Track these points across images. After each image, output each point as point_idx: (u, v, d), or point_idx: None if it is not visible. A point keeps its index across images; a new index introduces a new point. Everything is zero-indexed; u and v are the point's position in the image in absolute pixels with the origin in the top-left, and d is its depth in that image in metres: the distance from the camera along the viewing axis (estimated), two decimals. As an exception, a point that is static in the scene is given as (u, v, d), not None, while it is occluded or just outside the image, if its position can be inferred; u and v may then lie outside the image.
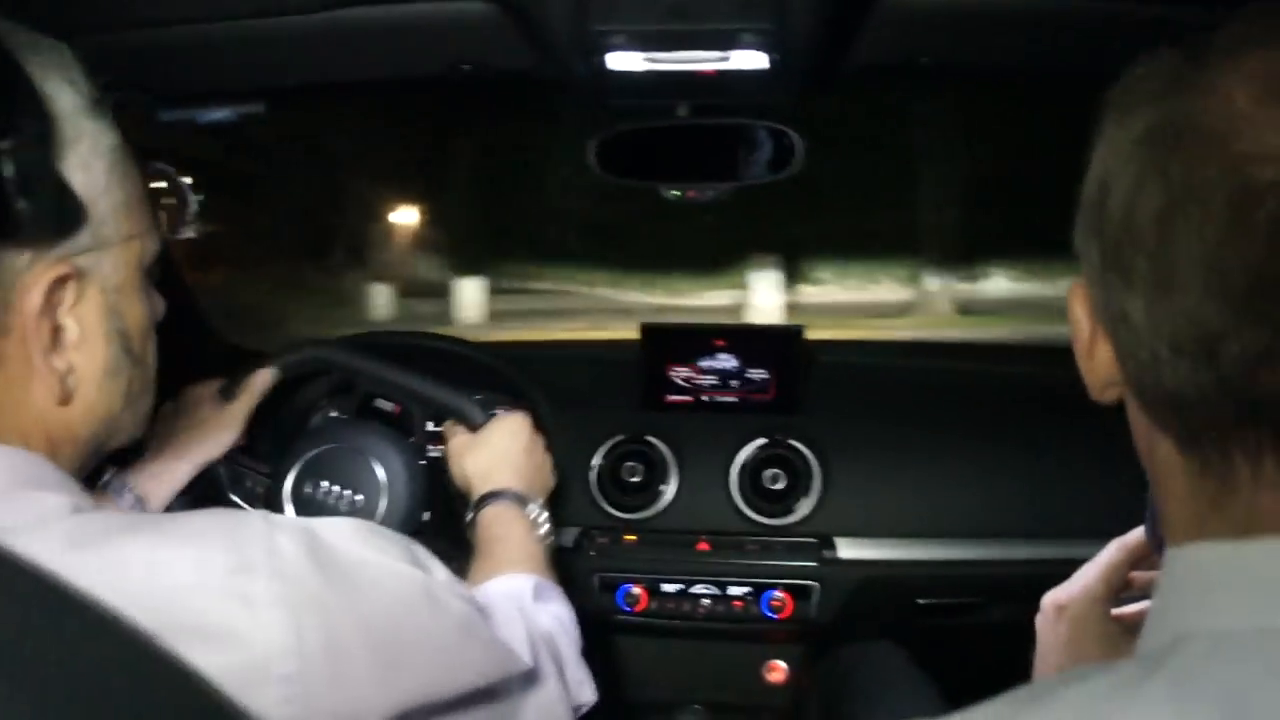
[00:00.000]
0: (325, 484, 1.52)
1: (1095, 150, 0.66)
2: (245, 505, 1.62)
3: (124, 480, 1.41)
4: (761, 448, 1.83)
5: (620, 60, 1.33)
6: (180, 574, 0.68)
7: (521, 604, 1.15)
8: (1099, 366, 0.68)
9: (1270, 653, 0.55)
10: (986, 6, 1.28)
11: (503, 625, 1.02)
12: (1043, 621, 1.01)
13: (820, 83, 1.47)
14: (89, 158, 0.78)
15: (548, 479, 1.50)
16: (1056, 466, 1.79)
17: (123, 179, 0.82)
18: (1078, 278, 0.68)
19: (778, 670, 1.98)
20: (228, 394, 1.59)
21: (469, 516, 1.38)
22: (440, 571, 0.90)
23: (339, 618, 0.74)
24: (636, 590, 1.82)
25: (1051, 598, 1.01)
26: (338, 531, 0.80)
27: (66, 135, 0.76)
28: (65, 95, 0.77)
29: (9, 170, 0.70)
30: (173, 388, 1.58)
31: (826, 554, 1.80)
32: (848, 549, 1.80)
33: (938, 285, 8.19)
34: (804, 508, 1.81)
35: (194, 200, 0.98)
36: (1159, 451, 0.65)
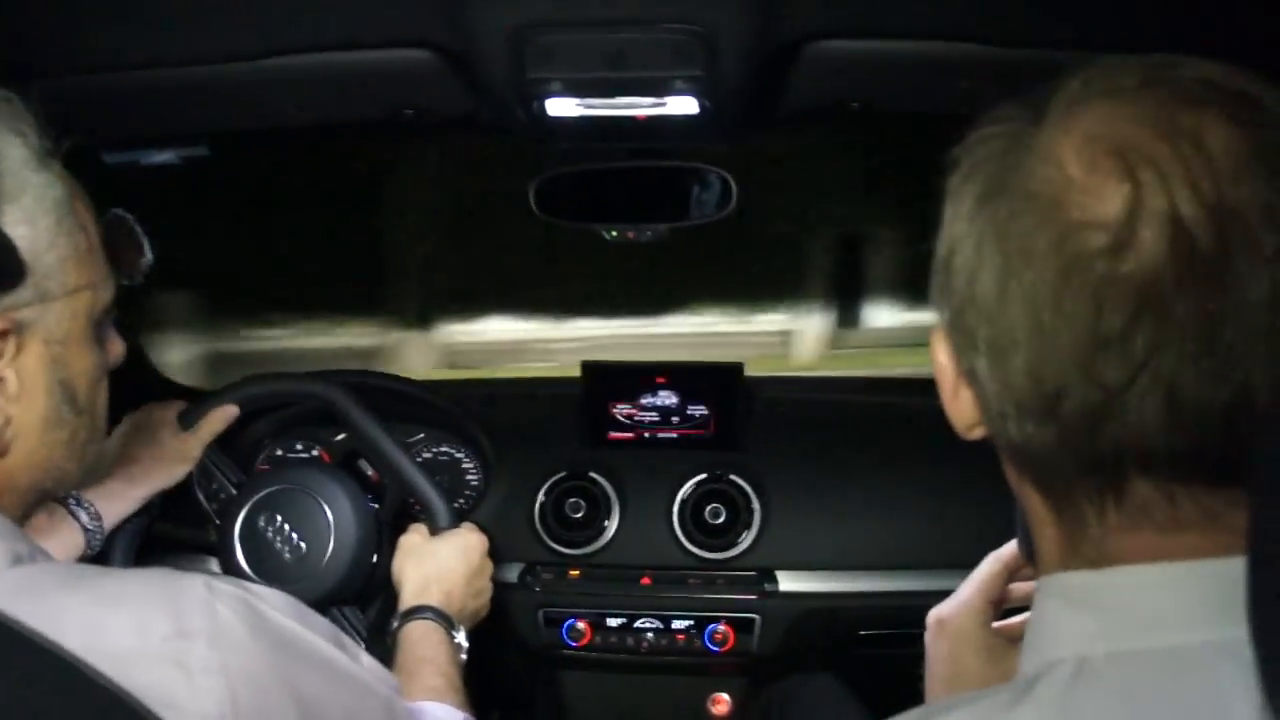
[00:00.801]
0: (278, 519, 1.54)
1: (945, 206, 0.68)
2: (207, 504, 1.65)
3: (80, 495, 1.43)
4: (702, 483, 1.86)
5: (557, 106, 1.36)
6: (119, 637, 0.68)
7: None
8: (963, 410, 0.70)
9: (1124, 677, 0.58)
10: (910, 55, 1.33)
11: None
12: (928, 638, 1.04)
13: (753, 126, 1.51)
14: (34, 212, 0.78)
15: (481, 608, 1.51)
16: (992, 495, 1.82)
17: (71, 231, 0.81)
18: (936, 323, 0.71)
19: (722, 703, 2.00)
20: (186, 423, 1.61)
21: (394, 623, 1.39)
22: (365, 659, 0.91)
23: (273, 689, 0.74)
24: (581, 625, 1.84)
25: (934, 613, 1.04)
26: (274, 604, 0.80)
27: (9, 189, 0.76)
28: (12, 148, 0.77)
29: None
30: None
31: (767, 587, 1.82)
32: (788, 581, 1.83)
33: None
34: (745, 542, 1.84)
35: (149, 248, 0.98)
36: (1024, 491, 0.69)
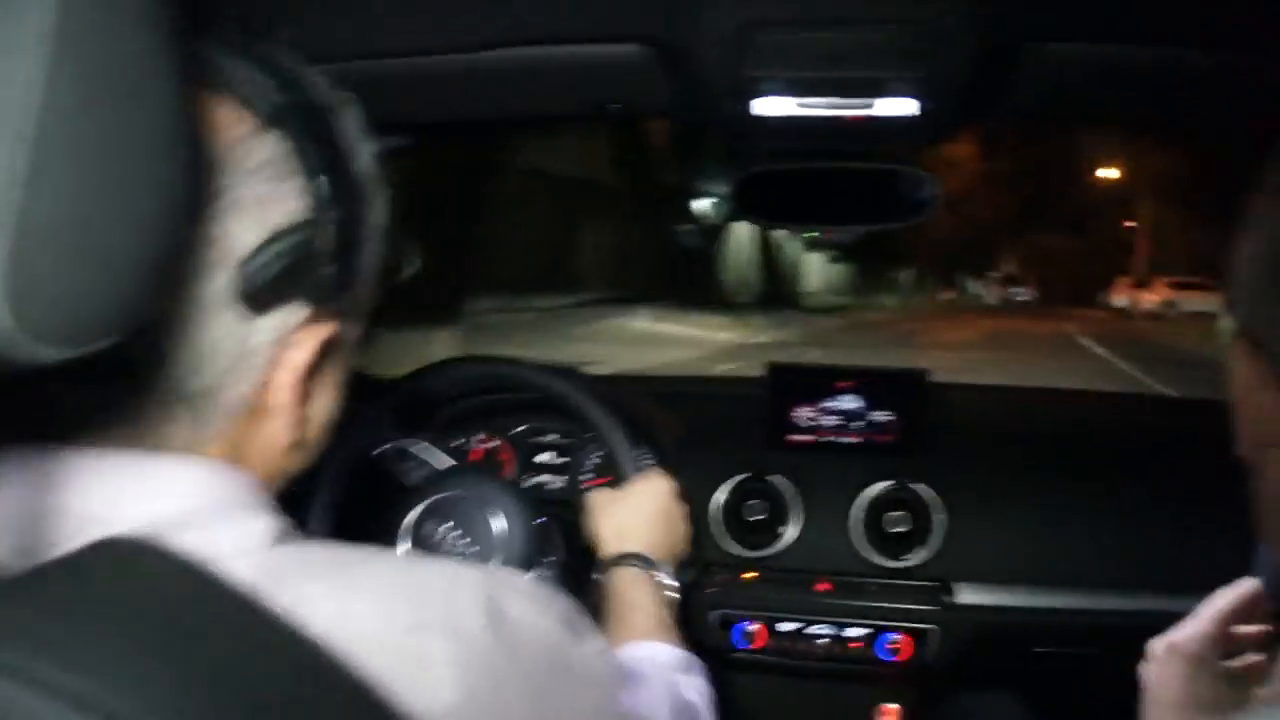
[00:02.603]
0: (446, 526, 1.54)
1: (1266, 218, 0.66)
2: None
3: None
4: (884, 490, 1.83)
5: (769, 105, 1.35)
6: (362, 624, 0.68)
7: (672, 675, 1.17)
8: (1266, 421, 0.67)
9: None
10: (1124, 60, 1.29)
11: (652, 694, 1.05)
12: (1155, 664, 1.01)
13: (964, 128, 1.48)
14: (374, 224, 0.78)
15: (682, 546, 1.51)
16: (1180, 519, 1.77)
17: (383, 243, 0.82)
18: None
19: (890, 714, 1.97)
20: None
21: (595, 574, 1.40)
22: (593, 642, 0.89)
23: (508, 683, 0.74)
24: (753, 628, 1.83)
25: (1163, 640, 1.01)
26: (516, 588, 0.80)
27: (364, 201, 0.76)
28: (364, 158, 0.77)
29: (329, 241, 0.71)
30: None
31: (946, 599, 1.79)
32: (967, 594, 1.79)
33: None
34: (925, 551, 1.81)
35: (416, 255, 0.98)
36: None
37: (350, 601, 0.69)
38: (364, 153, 0.77)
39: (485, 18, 1.28)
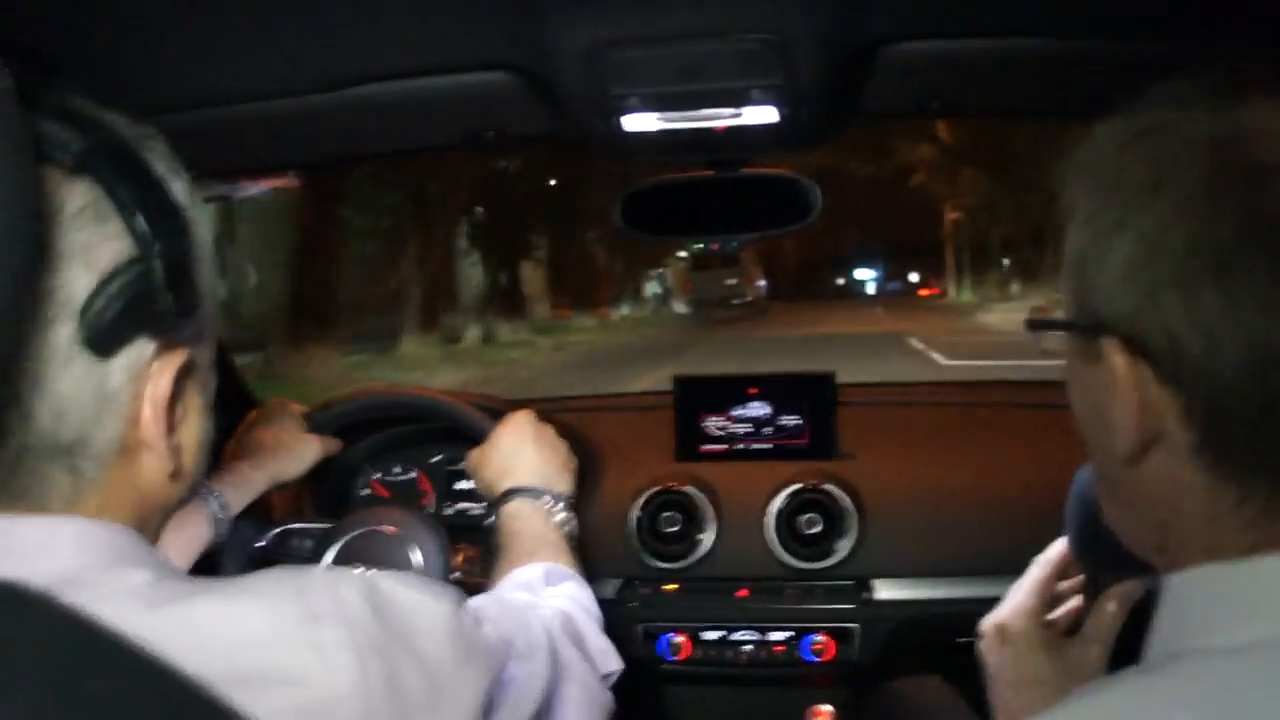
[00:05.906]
0: (361, 569, 1.53)
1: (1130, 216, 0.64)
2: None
3: (209, 485, 1.48)
4: (796, 493, 1.85)
5: (636, 121, 1.37)
6: (253, 626, 0.70)
7: (533, 595, 1.20)
8: (1151, 415, 0.64)
9: (1263, 665, 0.56)
10: (986, 54, 1.32)
11: (516, 627, 1.05)
12: (986, 646, 1.03)
13: (831, 131, 1.51)
14: (200, 249, 0.80)
15: (563, 465, 1.53)
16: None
17: (215, 264, 0.84)
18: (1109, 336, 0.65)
19: (823, 715, 1.98)
20: (313, 422, 1.68)
21: (488, 521, 1.44)
22: (487, 626, 0.93)
23: (400, 661, 0.76)
24: (679, 639, 1.84)
25: (989, 621, 1.03)
26: (396, 579, 0.83)
27: (185, 228, 0.78)
28: (177, 187, 0.79)
29: (160, 272, 0.72)
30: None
31: (865, 596, 1.81)
32: (886, 590, 1.82)
33: None
34: (841, 551, 1.82)
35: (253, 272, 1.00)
36: (1184, 484, 0.64)
37: (238, 606, 0.72)
38: (177, 182, 0.79)
39: (352, 53, 1.29)
